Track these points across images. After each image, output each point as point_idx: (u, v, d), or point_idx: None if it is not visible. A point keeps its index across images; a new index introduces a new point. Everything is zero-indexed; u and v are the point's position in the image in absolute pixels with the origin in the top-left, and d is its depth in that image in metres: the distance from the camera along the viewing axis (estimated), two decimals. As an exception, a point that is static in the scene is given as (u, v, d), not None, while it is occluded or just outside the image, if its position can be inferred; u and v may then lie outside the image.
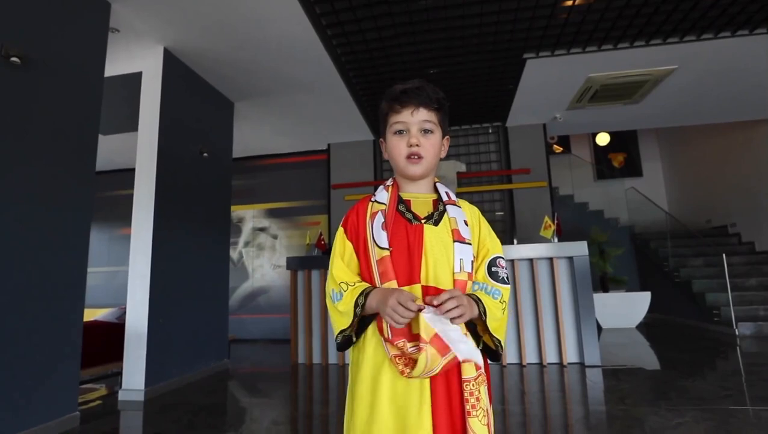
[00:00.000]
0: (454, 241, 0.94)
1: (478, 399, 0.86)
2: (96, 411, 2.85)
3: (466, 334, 0.87)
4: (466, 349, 0.85)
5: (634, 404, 2.53)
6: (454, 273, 0.91)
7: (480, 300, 0.90)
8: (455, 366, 0.86)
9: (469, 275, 0.93)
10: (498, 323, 0.91)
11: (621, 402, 2.59)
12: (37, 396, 2.25)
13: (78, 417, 2.48)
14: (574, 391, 2.94)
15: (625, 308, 5.84)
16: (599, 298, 5.67)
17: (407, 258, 0.92)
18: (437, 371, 0.85)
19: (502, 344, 0.93)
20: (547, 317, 3.74)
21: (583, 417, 2.43)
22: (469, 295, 0.90)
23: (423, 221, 0.96)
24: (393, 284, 0.90)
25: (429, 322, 0.83)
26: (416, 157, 0.96)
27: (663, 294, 6.35)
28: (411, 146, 0.96)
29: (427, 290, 0.90)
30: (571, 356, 3.66)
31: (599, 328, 5.56)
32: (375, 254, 0.93)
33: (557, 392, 2.94)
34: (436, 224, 0.96)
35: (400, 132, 0.98)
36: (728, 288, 5.04)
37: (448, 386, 0.87)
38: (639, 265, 7.41)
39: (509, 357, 3.76)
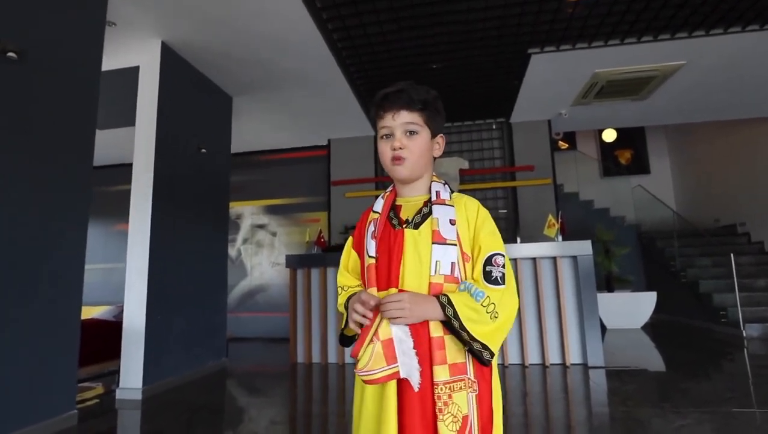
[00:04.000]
0: (433, 242, 0.92)
1: (446, 404, 0.84)
2: (94, 410, 2.84)
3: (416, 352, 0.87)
4: (407, 367, 0.85)
5: (636, 406, 2.49)
6: (430, 276, 0.89)
7: (450, 303, 0.86)
8: (429, 373, 0.87)
9: (447, 277, 0.89)
10: (484, 327, 0.85)
11: (623, 403, 2.55)
12: (35, 394, 2.23)
13: (76, 415, 2.46)
14: (577, 392, 2.90)
15: (631, 309, 5.76)
16: (604, 298, 5.60)
17: (387, 264, 0.94)
18: (377, 376, 0.84)
19: (490, 348, 0.86)
20: (550, 317, 3.68)
21: (585, 419, 2.41)
22: (438, 296, 0.87)
23: (404, 226, 0.97)
24: (373, 290, 0.93)
25: (390, 326, 0.86)
26: (400, 159, 0.97)
27: (669, 295, 6.26)
28: (394, 148, 0.97)
29: None
30: (574, 357, 3.60)
31: (604, 329, 5.50)
32: (366, 262, 0.98)
33: (560, 393, 2.90)
34: (416, 227, 0.96)
35: (386, 136, 0.99)
36: (736, 289, 4.96)
37: (421, 389, 0.86)
38: (645, 265, 7.31)
39: (511, 357, 3.71)
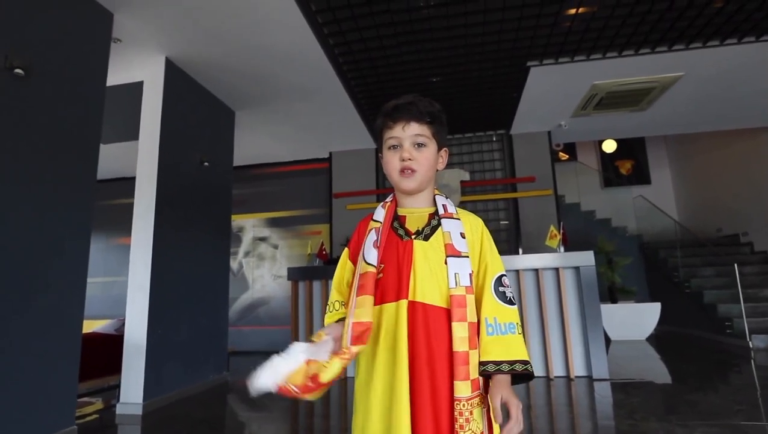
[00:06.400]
0: (448, 256, 0.93)
1: (467, 421, 0.84)
2: (93, 425, 2.81)
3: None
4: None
5: (643, 418, 2.45)
6: (449, 288, 0.91)
7: (514, 362, 0.88)
8: (447, 388, 0.87)
9: (468, 289, 0.91)
10: (524, 351, 0.91)
11: (630, 416, 2.52)
12: (35, 409, 2.21)
13: (75, 431, 2.43)
14: (582, 405, 2.86)
15: (635, 320, 5.71)
16: (607, 309, 5.56)
17: (396, 274, 0.93)
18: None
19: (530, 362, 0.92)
20: (554, 329, 3.65)
21: (590, 432, 2.37)
22: (501, 367, 0.87)
23: (413, 237, 0.96)
24: (368, 300, 0.90)
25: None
26: (409, 171, 0.97)
27: (673, 305, 6.21)
28: (403, 160, 0.97)
29: (413, 306, 0.90)
30: (578, 369, 3.57)
31: (608, 340, 5.45)
32: (361, 269, 0.94)
33: (564, 406, 2.87)
34: (426, 239, 0.96)
35: (393, 147, 0.99)
36: (741, 299, 4.92)
37: (434, 403, 0.86)
38: (648, 275, 7.27)
39: (515, 369, 3.67)
